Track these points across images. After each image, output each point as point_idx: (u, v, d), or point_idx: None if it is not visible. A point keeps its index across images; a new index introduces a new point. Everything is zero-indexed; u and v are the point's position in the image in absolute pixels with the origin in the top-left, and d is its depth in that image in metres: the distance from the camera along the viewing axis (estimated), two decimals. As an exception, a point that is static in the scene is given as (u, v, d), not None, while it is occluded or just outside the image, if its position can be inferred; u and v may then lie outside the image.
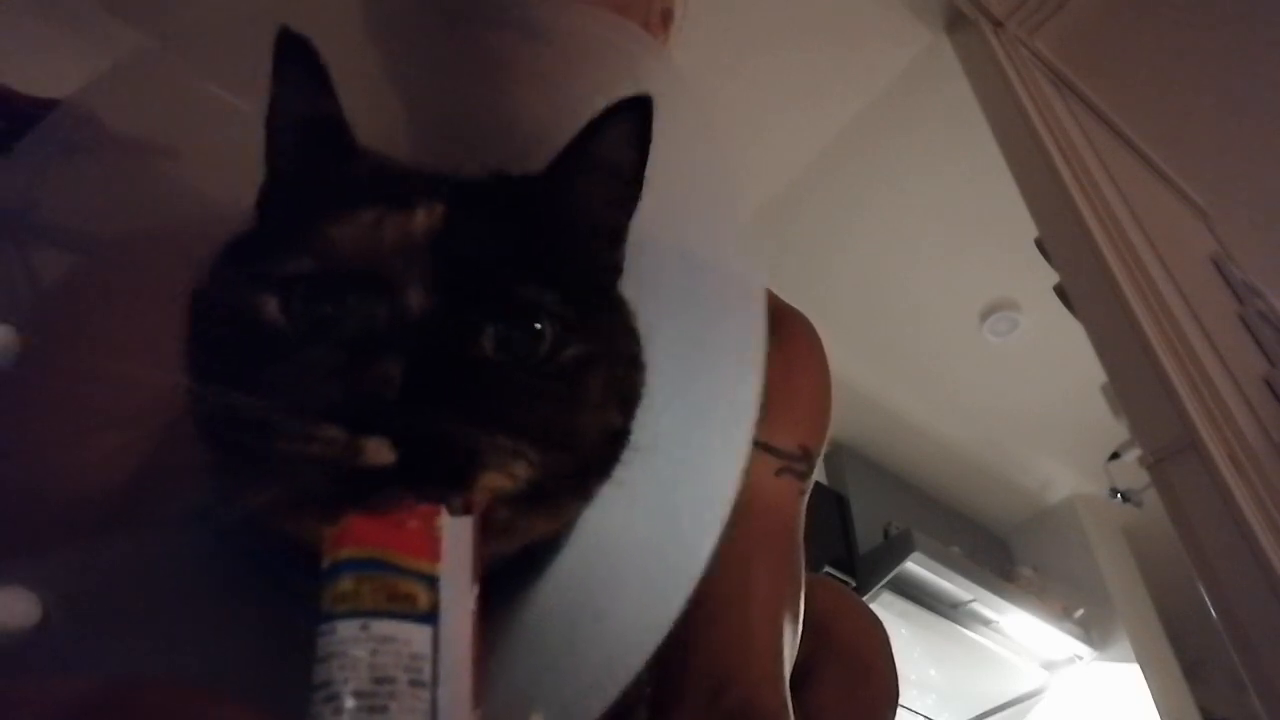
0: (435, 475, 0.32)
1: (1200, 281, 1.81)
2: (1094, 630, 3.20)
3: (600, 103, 0.40)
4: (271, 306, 0.34)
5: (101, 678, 0.33)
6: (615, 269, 0.42)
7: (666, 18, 0.78)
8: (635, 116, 0.39)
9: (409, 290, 0.33)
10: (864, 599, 2.90)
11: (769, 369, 0.61)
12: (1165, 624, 3.27)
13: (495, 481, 0.33)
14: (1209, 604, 1.12)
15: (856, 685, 0.71)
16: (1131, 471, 2.40)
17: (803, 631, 0.73)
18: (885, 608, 2.89)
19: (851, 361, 3.11)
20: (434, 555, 0.31)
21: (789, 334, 0.80)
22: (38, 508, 0.37)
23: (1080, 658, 3.17)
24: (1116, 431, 1.69)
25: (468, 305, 0.34)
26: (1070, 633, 3.12)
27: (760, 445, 0.71)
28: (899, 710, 0.75)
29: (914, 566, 2.84)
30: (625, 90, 0.41)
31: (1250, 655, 1.05)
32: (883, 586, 2.88)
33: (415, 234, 0.35)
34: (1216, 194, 2.30)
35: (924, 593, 2.95)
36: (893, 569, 2.85)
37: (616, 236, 0.41)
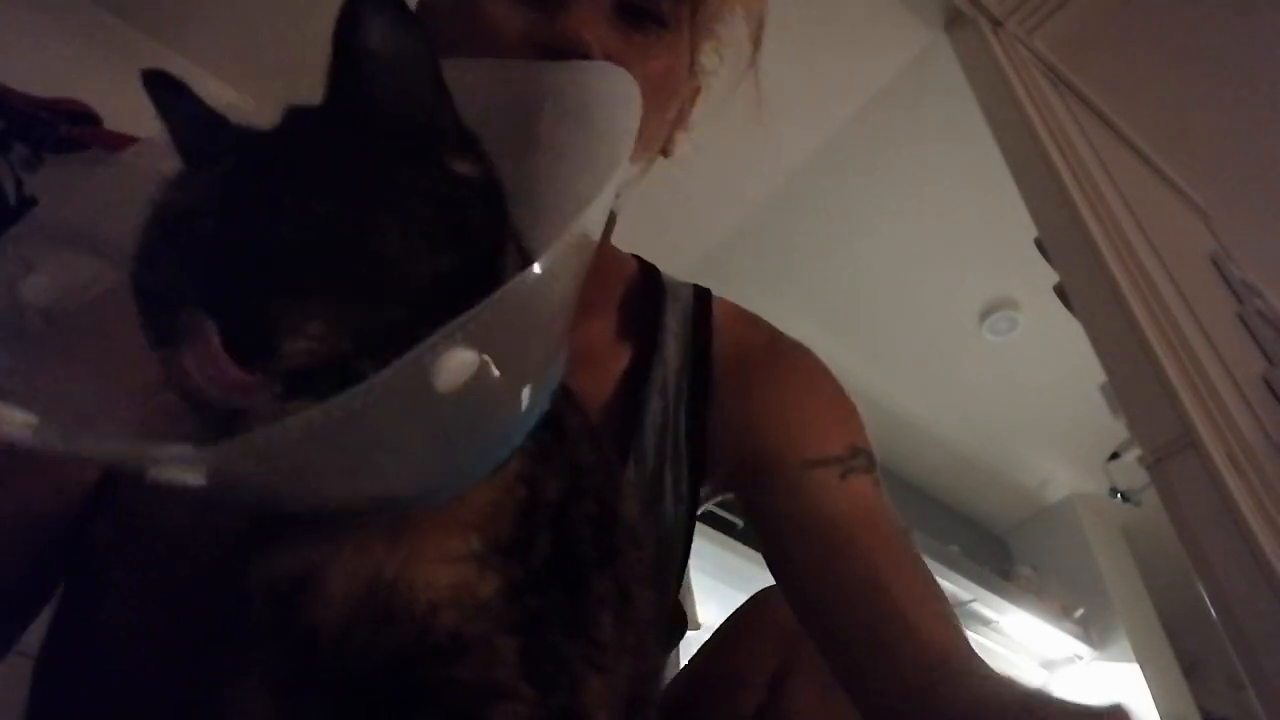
0: (246, 342, 0.38)
1: (1200, 281, 1.81)
2: (1093, 630, 3.20)
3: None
4: (147, 265, 0.43)
5: None
6: (440, 134, 0.46)
7: (696, 94, 0.83)
8: (379, 6, 0.43)
9: (204, 218, 0.40)
10: (863, 599, 2.91)
11: (775, 402, 0.67)
12: (1165, 624, 3.27)
13: (298, 347, 0.39)
14: (1208, 604, 1.12)
15: (833, 691, 0.71)
16: (1131, 471, 2.40)
17: (773, 640, 0.73)
18: (885, 607, 2.89)
19: (851, 361, 3.11)
20: None
21: (795, 363, 0.82)
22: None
23: (1080, 657, 3.18)
24: (1116, 431, 1.69)
25: (248, 213, 0.40)
26: (1070, 632, 3.12)
27: (813, 463, 0.71)
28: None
29: (913, 566, 2.84)
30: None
31: (1250, 655, 1.05)
32: (882, 586, 2.88)
33: (215, 179, 0.42)
34: (1216, 194, 2.30)
35: (923, 592, 2.95)
36: (892, 569, 2.85)
37: (429, 109, 0.46)
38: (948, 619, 0.64)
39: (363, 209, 0.41)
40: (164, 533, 0.54)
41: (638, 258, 0.87)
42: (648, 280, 0.85)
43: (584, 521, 0.47)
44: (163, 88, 0.48)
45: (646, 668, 0.52)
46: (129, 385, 0.43)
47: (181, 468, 0.36)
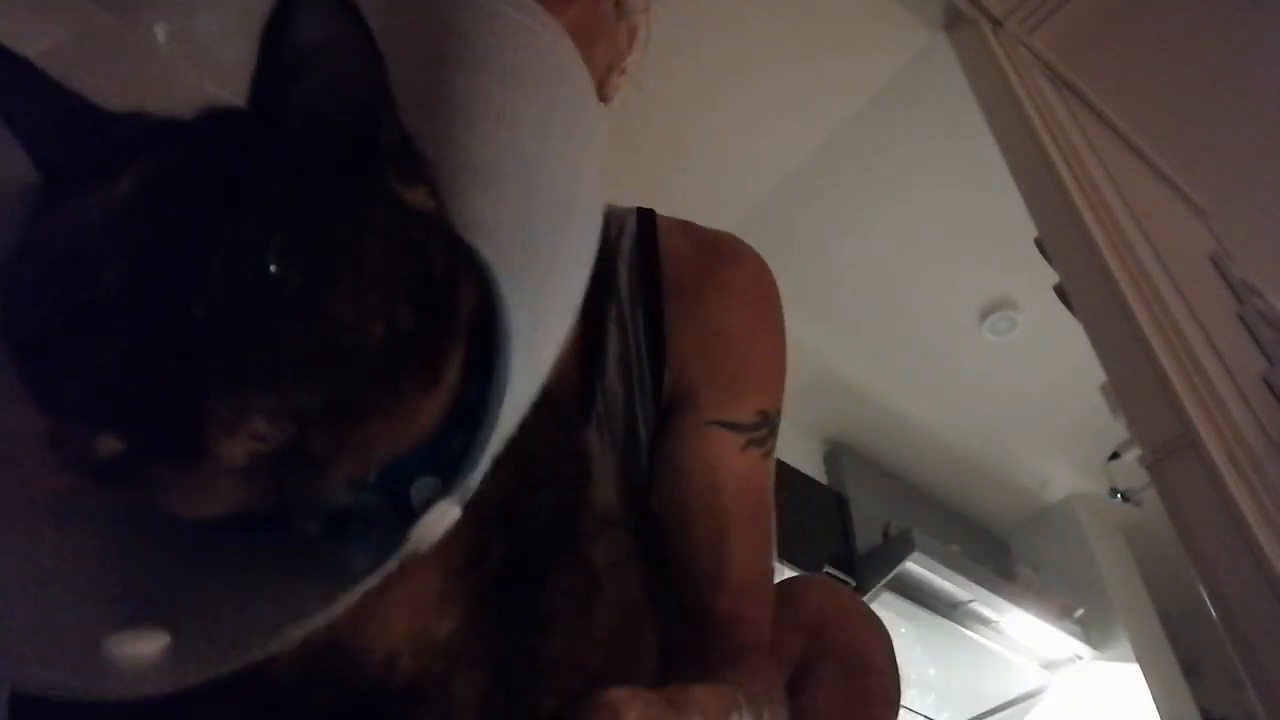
0: (163, 451, 0.32)
1: (1199, 281, 1.81)
2: (1094, 630, 3.20)
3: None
4: (25, 318, 0.33)
5: None
6: (381, 159, 0.39)
7: (632, 35, 0.79)
8: None
9: (107, 269, 0.32)
10: (864, 599, 2.90)
11: (710, 331, 0.61)
12: (1165, 624, 3.27)
13: (235, 449, 0.32)
14: (1208, 604, 1.12)
15: (855, 685, 0.71)
16: (1131, 471, 2.40)
17: (800, 633, 0.74)
18: (885, 607, 2.89)
19: (851, 361, 3.11)
20: None
21: (733, 289, 0.78)
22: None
23: (1080, 657, 3.17)
24: (1116, 431, 1.69)
25: (167, 268, 0.32)
26: (1070, 632, 3.12)
27: (720, 424, 0.72)
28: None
29: (914, 566, 2.84)
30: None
31: (1250, 655, 1.05)
32: (883, 586, 2.88)
33: (112, 207, 0.33)
34: (1216, 194, 2.30)
35: (924, 592, 2.95)
36: (893, 569, 2.85)
37: (366, 112, 0.39)
38: (763, 610, 0.70)
39: (310, 261, 0.33)
40: None
41: None
42: None
43: (541, 512, 0.44)
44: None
45: (630, 651, 0.51)
46: None
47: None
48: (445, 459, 0.39)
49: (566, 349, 0.73)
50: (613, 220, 0.81)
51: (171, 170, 0.34)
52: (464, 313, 0.39)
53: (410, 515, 0.37)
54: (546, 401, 0.42)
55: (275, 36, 0.36)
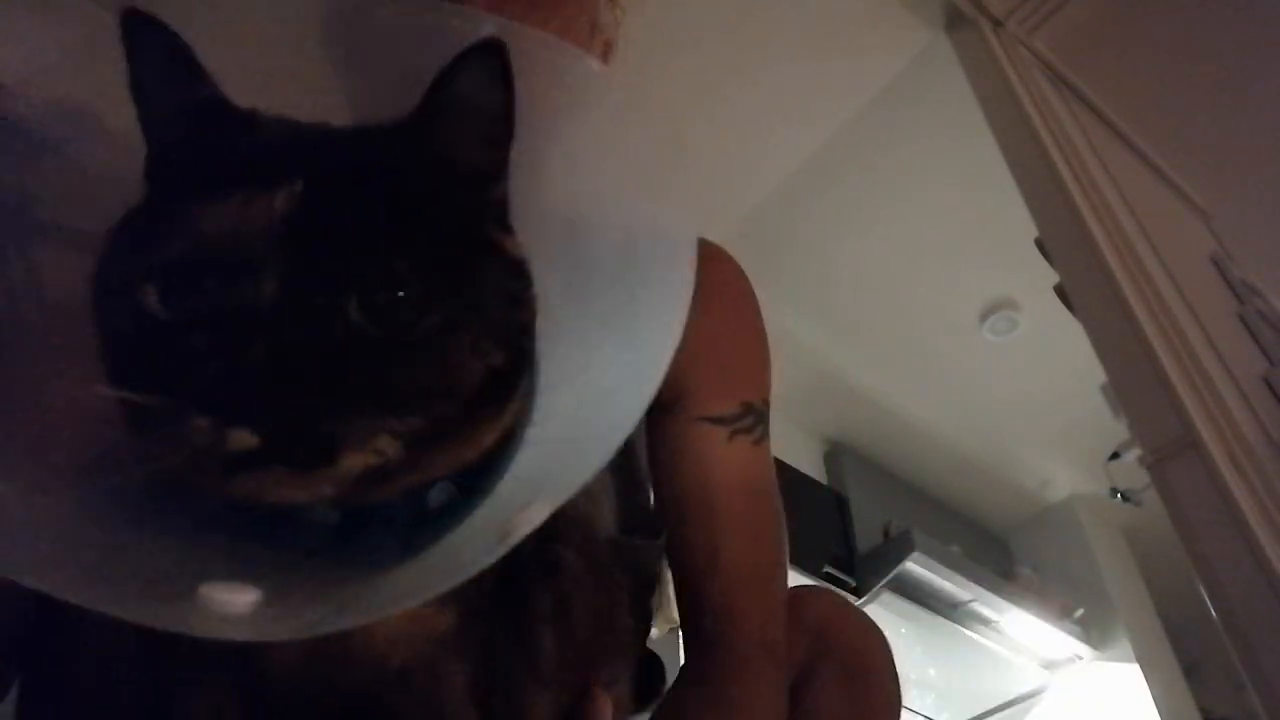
0: (297, 457, 0.34)
1: (1200, 281, 1.81)
2: (1094, 630, 3.20)
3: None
4: (152, 298, 0.35)
5: None
6: (491, 209, 0.42)
7: (607, 50, 0.81)
8: (488, 56, 0.39)
9: (265, 275, 0.34)
10: (864, 599, 2.91)
11: (692, 335, 0.65)
12: (1165, 624, 3.27)
13: (357, 461, 0.35)
14: (1209, 604, 1.12)
15: (856, 689, 0.72)
16: (1131, 471, 2.40)
17: (803, 635, 0.74)
18: (885, 607, 2.89)
19: (851, 361, 3.11)
20: None
21: (711, 290, 0.81)
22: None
23: (1080, 657, 3.18)
24: (1116, 431, 1.69)
25: (321, 285, 0.35)
26: (1070, 632, 3.12)
27: (706, 420, 0.76)
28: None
29: (914, 566, 2.84)
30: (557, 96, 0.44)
31: (1250, 655, 1.05)
32: (883, 586, 2.88)
33: (274, 216, 0.35)
34: (1216, 194, 2.30)
35: (924, 592, 2.95)
36: (893, 569, 2.85)
37: (489, 176, 0.42)
38: (760, 602, 0.72)
39: (446, 305, 0.37)
40: None
41: None
42: None
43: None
44: (151, 37, 0.39)
45: (600, 677, 0.52)
46: (44, 403, 0.38)
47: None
48: (469, 469, 0.41)
49: None
50: None
51: (331, 189, 0.37)
52: (533, 348, 0.42)
53: (426, 517, 0.39)
54: None
55: (444, 83, 0.39)
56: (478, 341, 0.38)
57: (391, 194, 0.38)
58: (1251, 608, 1.07)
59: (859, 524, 3.07)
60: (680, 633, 0.83)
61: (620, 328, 0.44)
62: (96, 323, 0.37)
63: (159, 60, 0.39)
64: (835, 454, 3.38)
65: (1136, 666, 3.06)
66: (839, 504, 3.15)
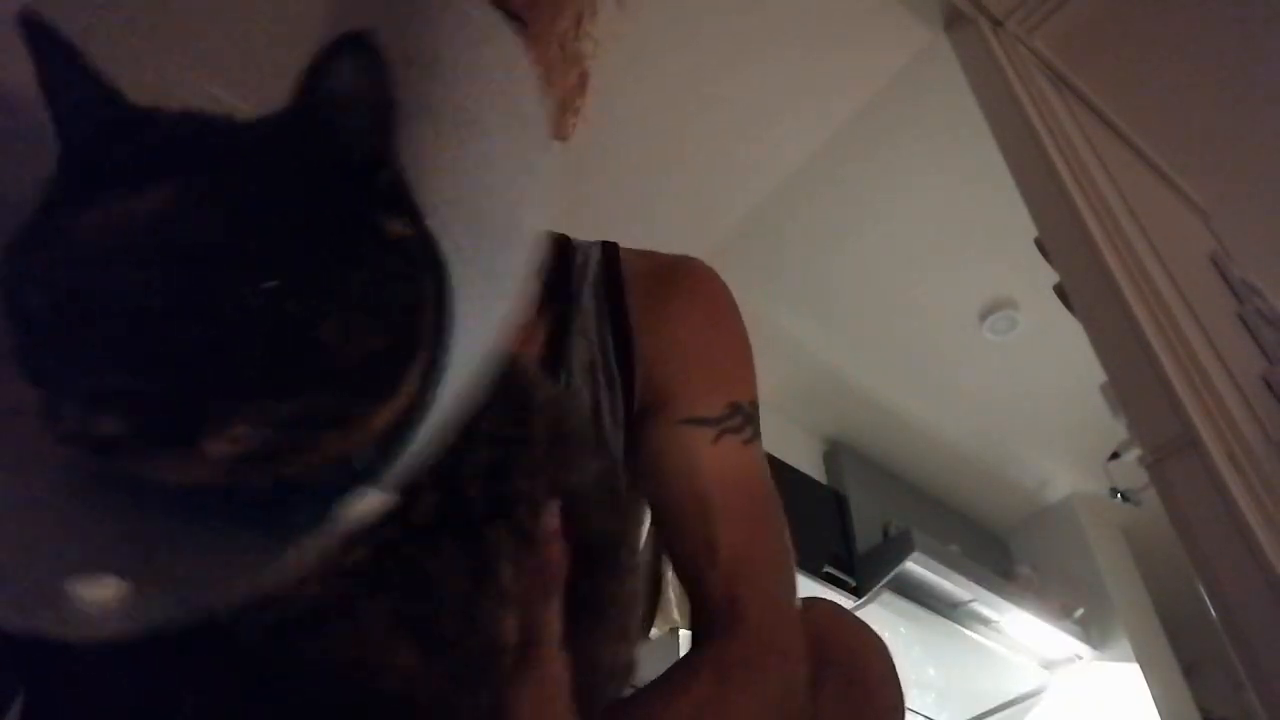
0: (157, 442, 0.37)
1: (1200, 281, 1.81)
2: (1094, 630, 3.20)
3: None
4: (35, 298, 0.37)
5: None
6: (378, 194, 0.43)
7: (583, 81, 0.84)
8: (358, 49, 0.40)
9: (131, 272, 0.36)
10: (864, 599, 2.91)
11: (674, 341, 0.66)
12: (1165, 624, 3.28)
13: (218, 447, 0.37)
14: (1208, 604, 1.12)
15: (858, 696, 0.72)
16: (1131, 471, 2.40)
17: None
18: (885, 607, 2.89)
19: (851, 361, 3.11)
20: None
21: (690, 298, 0.85)
22: None
23: (1080, 657, 3.18)
24: (1116, 431, 1.69)
25: (184, 280, 0.37)
26: (1070, 632, 3.12)
27: (690, 422, 0.77)
28: (898, 710, 0.76)
29: (914, 566, 2.84)
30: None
31: (1250, 655, 1.05)
32: (883, 586, 2.88)
33: (142, 215, 0.37)
34: (1216, 193, 2.30)
35: (924, 592, 2.95)
36: (892, 569, 2.86)
37: (372, 163, 0.43)
38: (762, 595, 0.72)
39: (309, 290, 0.38)
40: None
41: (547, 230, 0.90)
42: (559, 245, 0.89)
43: (473, 473, 0.48)
44: (45, 42, 0.40)
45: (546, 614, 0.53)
46: None
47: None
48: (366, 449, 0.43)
49: (538, 354, 0.77)
50: (578, 252, 0.88)
51: (202, 187, 0.39)
52: (426, 325, 0.43)
53: (351, 483, 0.41)
54: (504, 387, 0.46)
55: (314, 79, 0.40)
56: (348, 326, 0.39)
57: (260, 186, 0.40)
58: (1251, 608, 1.07)
59: (858, 524, 3.07)
60: (680, 633, 0.84)
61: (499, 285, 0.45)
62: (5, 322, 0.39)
63: (56, 60, 0.41)
64: (834, 453, 3.38)
65: (1136, 666, 3.06)
66: (838, 503, 3.15)
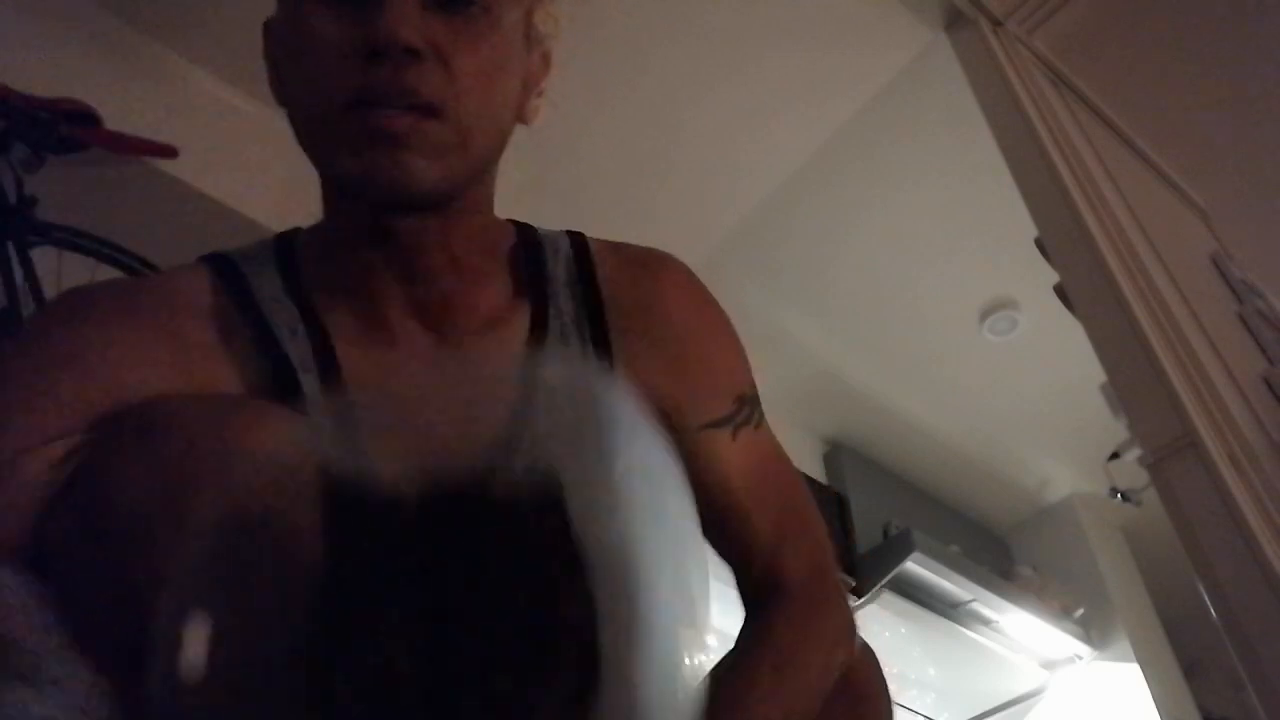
0: None
1: (1200, 281, 1.81)
2: (1094, 630, 3.20)
3: None
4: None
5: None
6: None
7: (545, 61, 0.83)
8: None
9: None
10: (864, 599, 2.91)
11: (667, 350, 0.74)
12: (1165, 624, 3.28)
13: None
14: (1208, 604, 1.12)
15: (860, 712, 0.73)
16: (1131, 471, 2.40)
17: None
18: (885, 607, 2.89)
19: (851, 361, 3.11)
20: None
21: (670, 300, 0.84)
22: None
23: (1080, 657, 3.17)
24: (1116, 431, 1.69)
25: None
26: (1070, 632, 3.12)
27: (709, 426, 0.79)
28: (899, 709, 0.76)
29: (914, 566, 2.84)
30: None
31: (1250, 655, 1.05)
32: (882, 586, 2.88)
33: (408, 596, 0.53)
34: (1216, 193, 2.30)
35: (924, 592, 2.95)
36: (892, 569, 2.85)
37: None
38: (804, 554, 0.78)
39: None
40: (128, 522, 0.52)
41: (513, 221, 0.89)
42: (527, 239, 0.87)
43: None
44: None
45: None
46: None
47: None
48: None
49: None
50: (546, 245, 0.87)
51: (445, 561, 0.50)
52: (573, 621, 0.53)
53: None
54: None
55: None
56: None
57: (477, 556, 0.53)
58: (1251, 607, 1.07)
59: (859, 524, 3.07)
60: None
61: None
62: None
63: None
64: (835, 454, 3.38)
65: (1136, 666, 3.06)
66: (839, 504, 3.15)
